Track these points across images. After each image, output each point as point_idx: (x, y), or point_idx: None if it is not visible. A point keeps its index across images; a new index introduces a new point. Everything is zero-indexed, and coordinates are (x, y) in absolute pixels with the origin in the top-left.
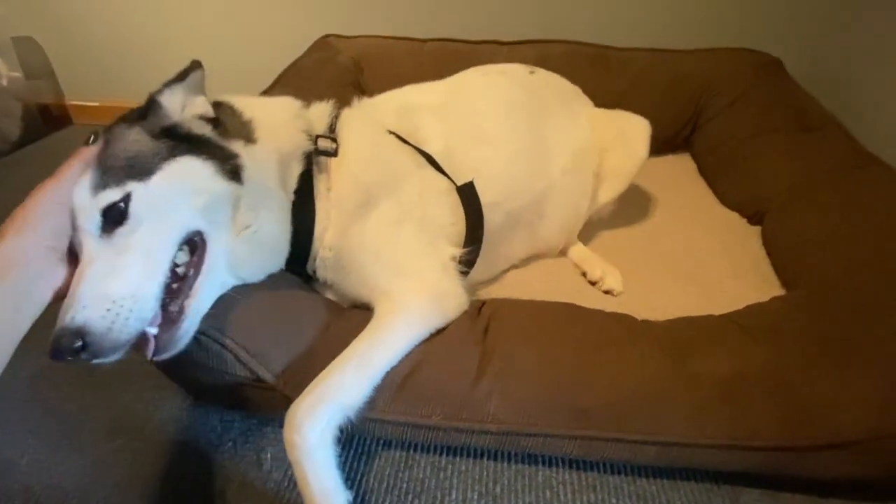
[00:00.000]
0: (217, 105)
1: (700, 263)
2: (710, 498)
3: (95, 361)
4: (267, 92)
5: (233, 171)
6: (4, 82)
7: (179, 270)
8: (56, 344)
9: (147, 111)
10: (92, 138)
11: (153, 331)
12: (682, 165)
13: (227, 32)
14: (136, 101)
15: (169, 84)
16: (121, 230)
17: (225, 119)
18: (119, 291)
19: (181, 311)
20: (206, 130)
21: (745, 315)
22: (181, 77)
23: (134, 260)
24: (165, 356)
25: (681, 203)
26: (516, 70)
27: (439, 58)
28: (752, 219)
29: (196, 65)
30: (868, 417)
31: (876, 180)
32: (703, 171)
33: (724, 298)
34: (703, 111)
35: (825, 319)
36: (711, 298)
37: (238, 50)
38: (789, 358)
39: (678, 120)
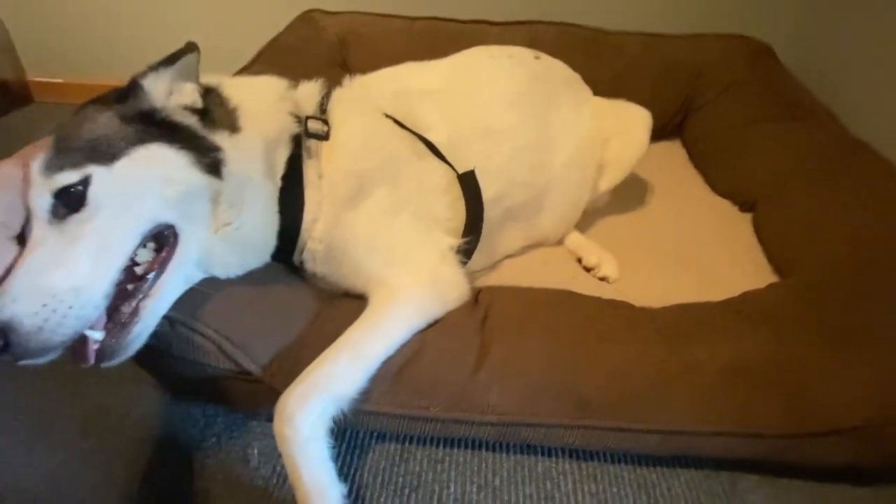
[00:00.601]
0: (206, 92)
1: (693, 250)
2: (709, 485)
3: (21, 363)
4: (245, 70)
5: (212, 165)
6: None
7: (138, 269)
8: None
9: (127, 93)
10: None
11: (96, 335)
12: (673, 152)
13: (202, 5)
14: (104, 79)
15: (155, 67)
16: (76, 217)
17: (212, 108)
18: (60, 285)
19: (135, 313)
20: (190, 121)
21: (743, 302)
22: (171, 60)
23: (83, 251)
24: (111, 363)
25: (673, 190)
26: (523, 54)
27: (428, 37)
28: (744, 206)
29: (190, 47)
30: (868, 404)
31: (866, 167)
32: (694, 159)
33: (718, 285)
34: (695, 98)
35: (823, 306)
36: (705, 285)
37: (214, 25)
38: (789, 345)
39: (670, 107)
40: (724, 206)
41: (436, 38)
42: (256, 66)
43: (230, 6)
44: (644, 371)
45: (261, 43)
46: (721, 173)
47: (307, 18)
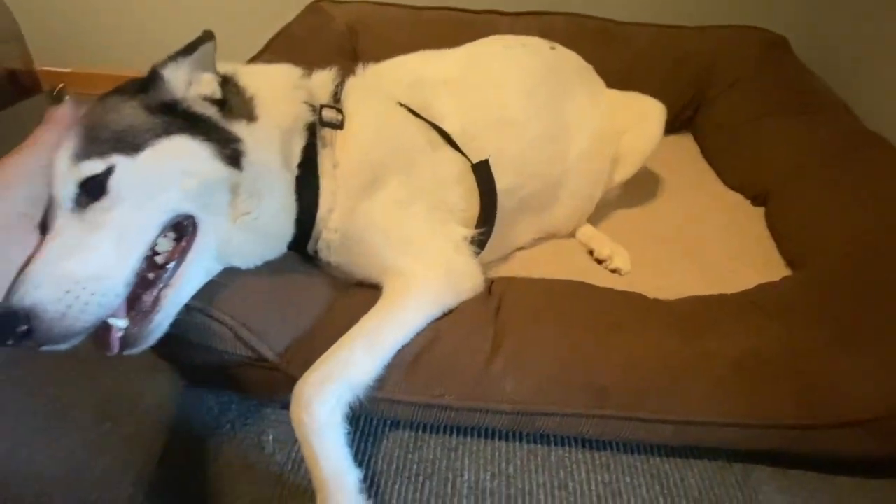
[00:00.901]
0: (223, 81)
1: (704, 244)
2: (722, 476)
3: (43, 349)
4: (255, 59)
5: (232, 157)
6: None
7: (158, 259)
8: None
9: (148, 84)
10: (57, 92)
11: (119, 322)
12: (684, 146)
13: None
14: (111, 68)
15: (174, 57)
16: (97, 205)
17: (230, 98)
18: (82, 272)
19: (156, 302)
20: (210, 112)
21: (757, 294)
22: (189, 50)
23: (106, 239)
24: (134, 351)
25: (684, 183)
26: (538, 44)
27: (438, 27)
28: (756, 199)
29: (207, 36)
30: (881, 397)
31: (881, 160)
32: (706, 152)
33: (730, 278)
34: (707, 90)
35: (837, 298)
36: (717, 278)
37: (224, 14)
38: (804, 336)
39: (681, 99)
40: (736, 199)
41: (444, 28)
42: (266, 55)
43: None
44: (659, 361)
45: (270, 33)
46: (733, 166)
47: (316, 8)
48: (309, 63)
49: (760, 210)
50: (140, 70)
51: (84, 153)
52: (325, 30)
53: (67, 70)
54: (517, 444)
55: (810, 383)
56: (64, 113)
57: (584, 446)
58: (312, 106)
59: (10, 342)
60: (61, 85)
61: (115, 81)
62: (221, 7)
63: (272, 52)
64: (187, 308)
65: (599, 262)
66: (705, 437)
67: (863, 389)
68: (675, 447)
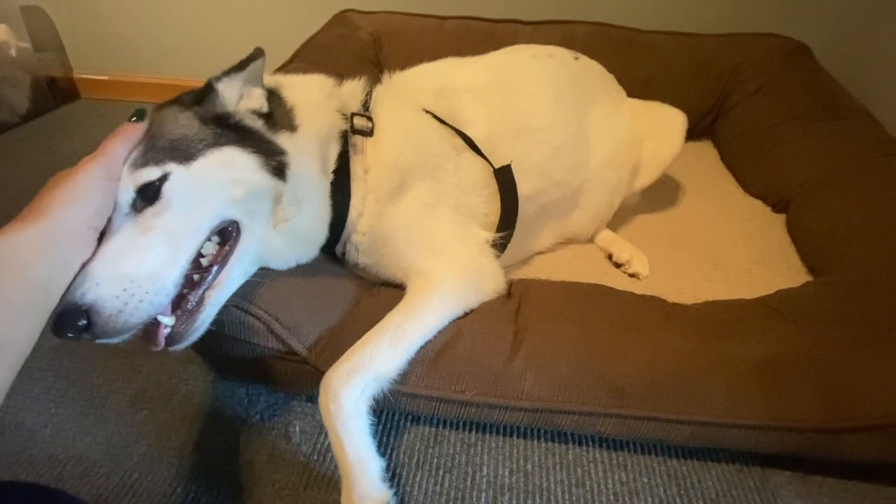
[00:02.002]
0: (268, 95)
1: (725, 250)
2: (740, 479)
3: (99, 341)
4: (284, 66)
5: (278, 168)
6: (13, 53)
7: (204, 261)
8: (60, 320)
9: (203, 96)
10: (135, 117)
11: (166, 319)
12: (704, 152)
13: (242, 6)
14: (146, 75)
15: (229, 72)
16: (150, 210)
17: (274, 110)
18: (137, 271)
19: (201, 302)
20: (257, 125)
21: (777, 299)
22: (241, 66)
23: (158, 241)
24: (178, 348)
25: (704, 190)
26: (562, 54)
27: (459, 36)
28: (777, 207)
29: (258, 53)
30: None
31: None
32: (726, 159)
33: (752, 284)
34: (728, 98)
35: (859, 304)
36: (738, 284)
37: (254, 24)
38: (825, 340)
39: (702, 106)
40: (757, 206)
41: (466, 37)
42: (295, 63)
43: (271, 6)
44: (678, 362)
45: (299, 41)
46: (754, 173)
47: (343, 18)
48: (335, 70)
49: (781, 217)
50: (175, 77)
51: (142, 161)
52: (351, 39)
53: (104, 77)
54: (535, 441)
55: (831, 387)
56: (135, 127)
57: (601, 445)
58: (344, 114)
59: (70, 335)
60: (135, 115)
61: (149, 88)
62: (252, 17)
63: (301, 59)
64: (224, 303)
65: (618, 266)
66: (723, 438)
67: (884, 393)
68: (693, 449)
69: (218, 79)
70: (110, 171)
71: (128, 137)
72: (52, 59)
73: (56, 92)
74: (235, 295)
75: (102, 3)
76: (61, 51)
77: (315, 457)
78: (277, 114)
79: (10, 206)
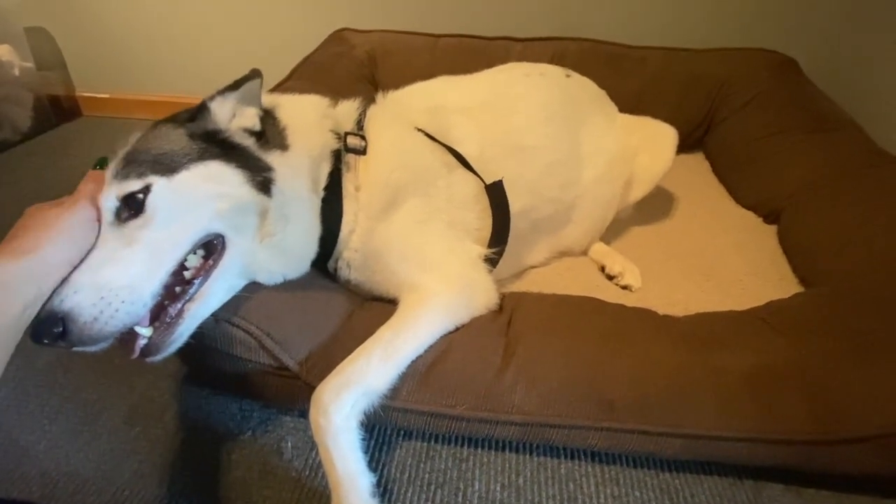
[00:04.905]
0: (263, 114)
1: (716, 261)
2: (733, 493)
3: (75, 349)
4: (281, 85)
5: (263, 184)
6: (17, 72)
7: (187, 274)
8: (38, 326)
9: (196, 114)
10: (98, 165)
11: (144, 331)
12: (695, 165)
13: (240, 25)
14: (146, 93)
15: (223, 92)
16: (134, 222)
17: (267, 129)
18: (115, 281)
19: (180, 314)
20: (248, 142)
21: (767, 311)
22: (236, 86)
23: (140, 252)
24: (154, 359)
25: (696, 202)
26: (554, 72)
27: (453, 53)
28: (768, 218)
29: (254, 74)
30: (894, 412)
31: (892, 178)
32: (717, 171)
33: (743, 296)
34: (718, 111)
35: (849, 315)
36: (730, 296)
37: (252, 43)
38: (815, 352)
39: (692, 119)
40: (748, 217)
41: (460, 55)
42: (292, 80)
43: (268, 25)
44: (668, 375)
45: (297, 59)
46: (745, 185)
47: (339, 36)
48: (331, 88)
49: (772, 228)
50: (174, 95)
51: (125, 172)
52: (347, 57)
53: (105, 95)
54: (527, 456)
55: (822, 398)
56: (102, 174)
57: (593, 460)
58: (338, 134)
59: (46, 342)
60: (98, 163)
61: (149, 106)
62: (250, 36)
63: (297, 77)
64: (215, 318)
65: (610, 278)
66: (714, 451)
67: (874, 405)
68: (685, 462)
69: (212, 98)
70: (93, 212)
71: (100, 182)
72: (54, 78)
73: (58, 110)
74: (227, 310)
75: (104, 24)
76: (64, 70)
77: (307, 472)
78: (269, 133)
79: (12, 223)
